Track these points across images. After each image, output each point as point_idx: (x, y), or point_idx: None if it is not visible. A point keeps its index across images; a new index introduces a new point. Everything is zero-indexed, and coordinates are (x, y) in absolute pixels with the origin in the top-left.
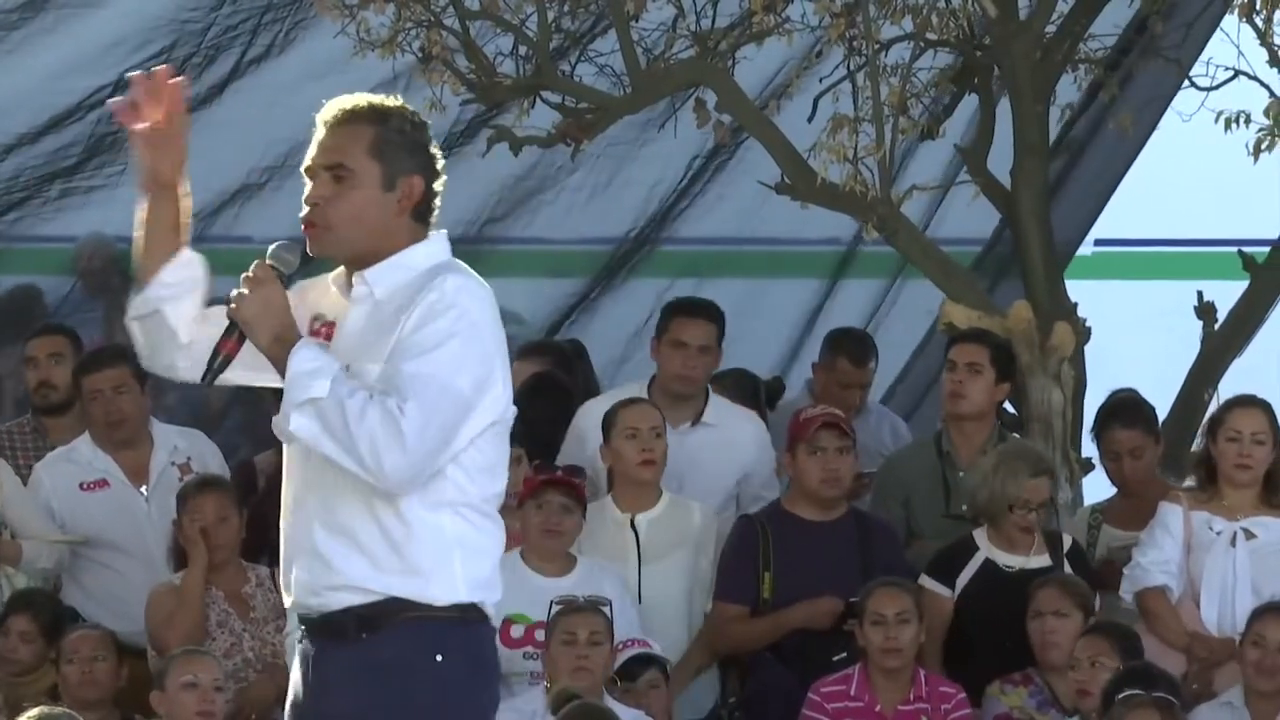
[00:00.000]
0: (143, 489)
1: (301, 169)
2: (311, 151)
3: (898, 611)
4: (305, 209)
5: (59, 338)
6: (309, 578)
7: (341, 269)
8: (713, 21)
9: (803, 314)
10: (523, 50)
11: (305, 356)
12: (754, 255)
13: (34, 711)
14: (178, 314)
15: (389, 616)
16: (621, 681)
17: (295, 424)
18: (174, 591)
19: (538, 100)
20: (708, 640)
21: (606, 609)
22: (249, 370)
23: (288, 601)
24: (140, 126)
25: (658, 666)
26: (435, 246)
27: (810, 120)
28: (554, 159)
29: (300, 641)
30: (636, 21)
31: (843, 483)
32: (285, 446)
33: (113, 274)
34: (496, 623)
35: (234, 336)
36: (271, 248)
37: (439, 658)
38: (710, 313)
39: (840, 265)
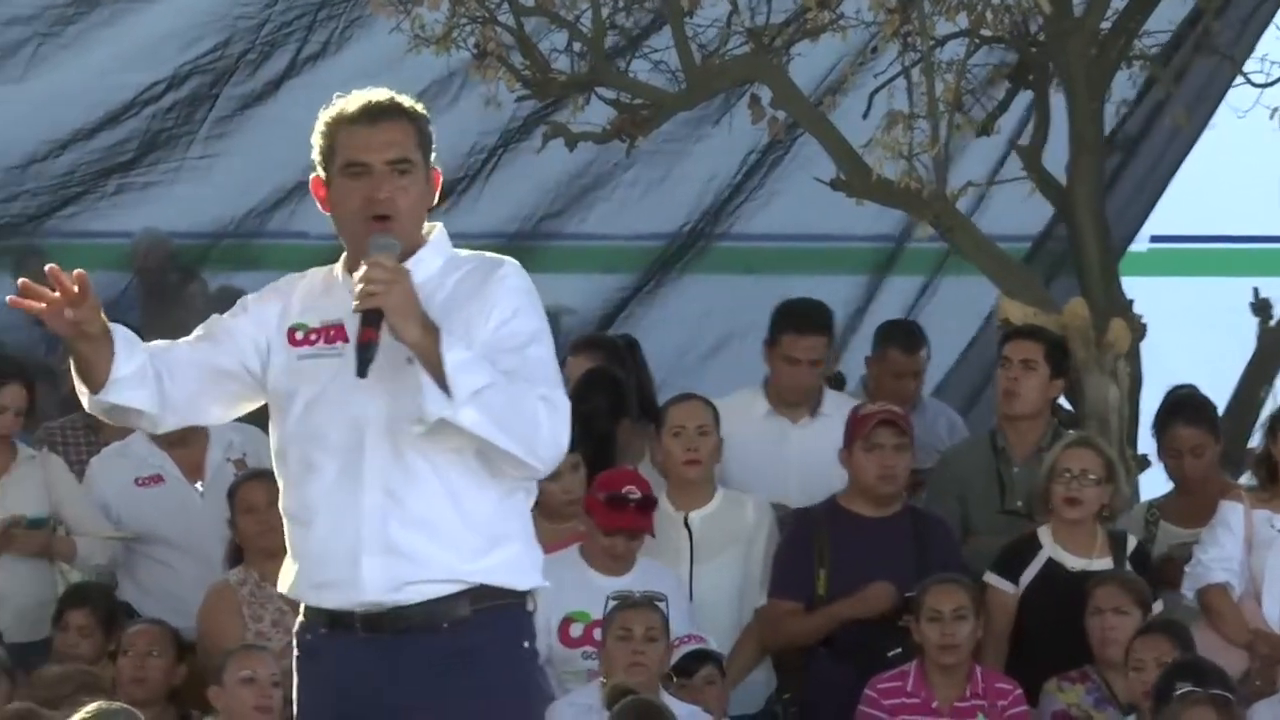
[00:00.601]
0: (198, 485)
1: (348, 166)
2: (359, 146)
3: (955, 608)
4: (372, 204)
5: None
6: (386, 574)
7: (330, 269)
8: (767, 17)
9: (850, 310)
10: (577, 46)
11: (457, 345)
12: (809, 251)
13: (91, 706)
14: (147, 396)
15: (477, 604)
16: (677, 678)
17: (464, 414)
18: (229, 590)
19: (593, 96)
20: (759, 635)
21: (663, 605)
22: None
23: (330, 600)
24: (51, 315)
25: (714, 662)
26: (444, 235)
27: (865, 116)
28: (609, 155)
29: (331, 636)
30: (691, 17)
31: (899, 479)
32: (303, 448)
33: (169, 270)
34: (554, 620)
35: (373, 325)
36: (377, 242)
37: (525, 644)
38: (820, 324)
39: (886, 261)
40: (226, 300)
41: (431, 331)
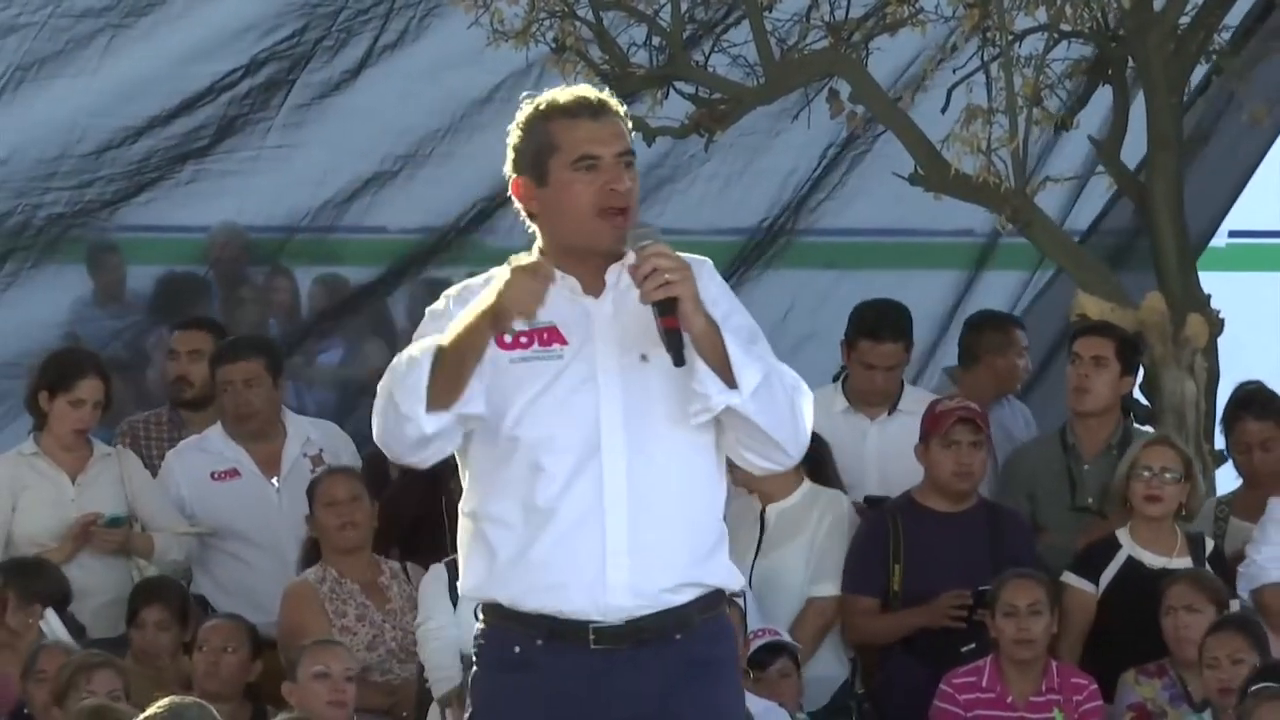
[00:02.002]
0: (274, 480)
1: (582, 159)
2: (589, 139)
3: (1030, 603)
4: (610, 197)
5: (200, 333)
6: (634, 577)
7: (544, 266)
8: (846, 11)
9: (940, 307)
10: (656, 40)
11: (731, 335)
12: (892, 247)
13: (164, 701)
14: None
15: (704, 611)
16: (753, 671)
17: (748, 403)
18: (310, 588)
19: (671, 90)
20: (812, 627)
21: (740, 600)
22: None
23: (567, 607)
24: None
25: (789, 655)
26: None
27: (944, 111)
28: (686, 148)
29: (550, 647)
30: (770, 11)
31: (975, 476)
32: (526, 451)
33: (244, 264)
34: None
35: (672, 313)
36: (637, 233)
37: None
38: (897, 331)
39: (981, 257)
40: (330, 292)
41: (712, 321)
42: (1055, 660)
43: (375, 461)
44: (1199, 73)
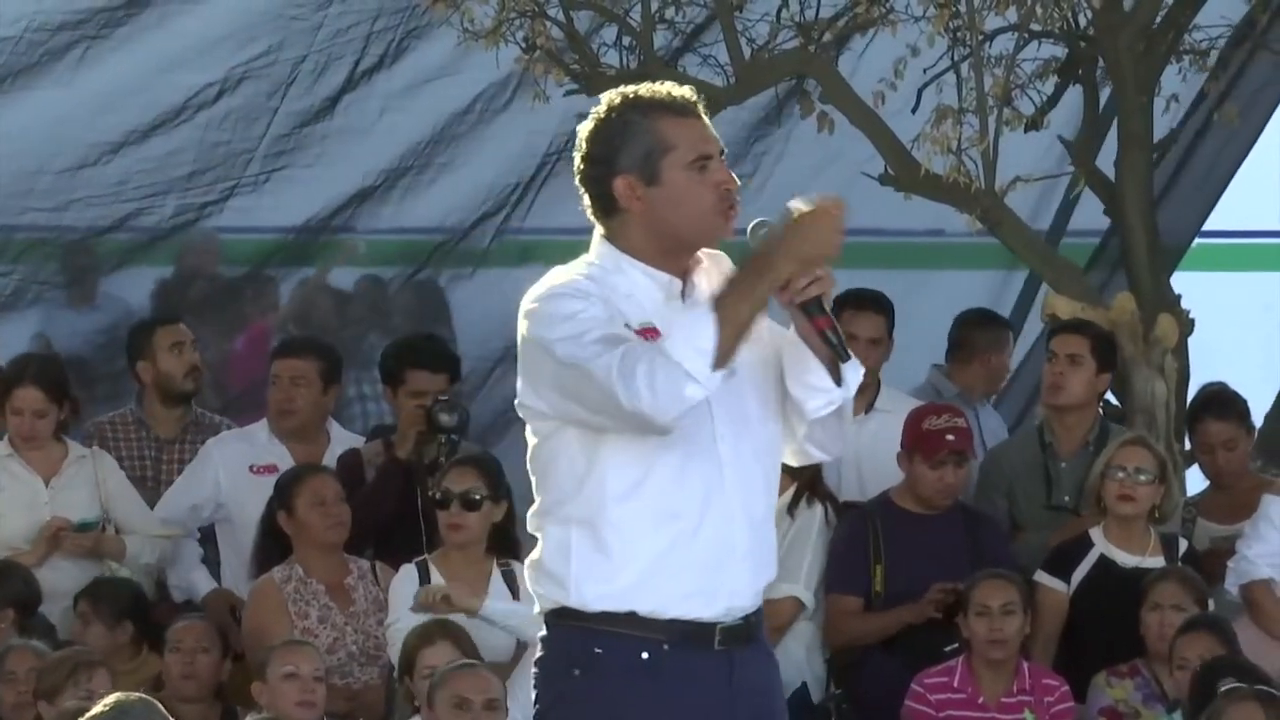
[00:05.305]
0: None
1: (700, 159)
2: (702, 138)
3: (1003, 603)
4: (727, 195)
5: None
6: (753, 579)
7: (620, 269)
8: (816, 12)
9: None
10: (627, 41)
11: None
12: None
13: (110, 698)
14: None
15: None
16: None
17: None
18: (273, 588)
19: None
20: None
21: None
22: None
23: (706, 611)
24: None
25: None
26: None
27: (914, 111)
28: None
29: (675, 652)
30: (741, 12)
31: (957, 492)
32: (664, 453)
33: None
34: None
35: (822, 313)
36: (759, 231)
37: None
38: (879, 304)
39: (944, 257)
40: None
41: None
42: (1027, 661)
43: (349, 460)
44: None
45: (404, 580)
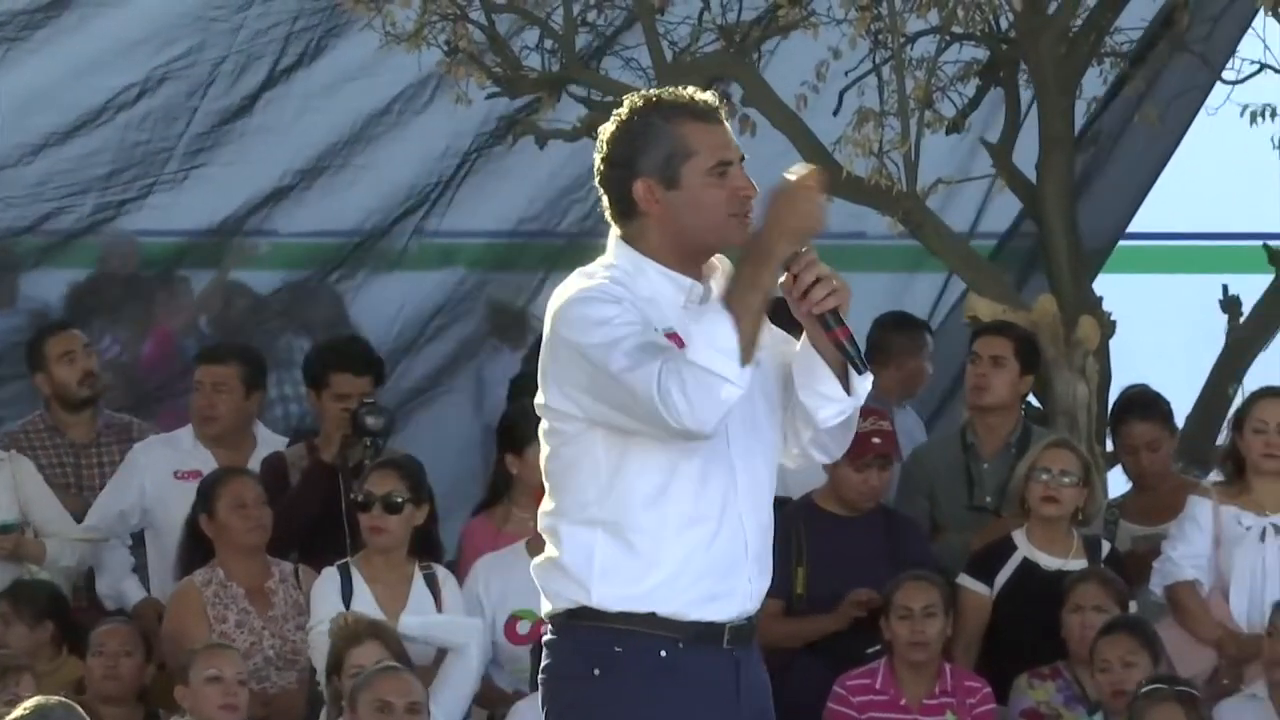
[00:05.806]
0: None
1: (720, 164)
2: (723, 144)
3: (924, 605)
4: (745, 202)
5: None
6: (759, 582)
7: (655, 269)
8: (738, 15)
9: None
10: (549, 44)
11: None
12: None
13: (30, 702)
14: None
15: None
16: None
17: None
18: (194, 591)
19: (564, 95)
20: None
21: None
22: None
23: (723, 613)
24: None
25: None
26: None
27: (836, 114)
28: (584, 157)
29: (691, 651)
30: (662, 14)
31: (880, 495)
32: (690, 458)
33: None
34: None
35: (841, 324)
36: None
37: None
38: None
39: (865, 259)
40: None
41: None
42: (949, 663)
43: (273, 463)
44: (1099, 77)
45: (325, 583)
